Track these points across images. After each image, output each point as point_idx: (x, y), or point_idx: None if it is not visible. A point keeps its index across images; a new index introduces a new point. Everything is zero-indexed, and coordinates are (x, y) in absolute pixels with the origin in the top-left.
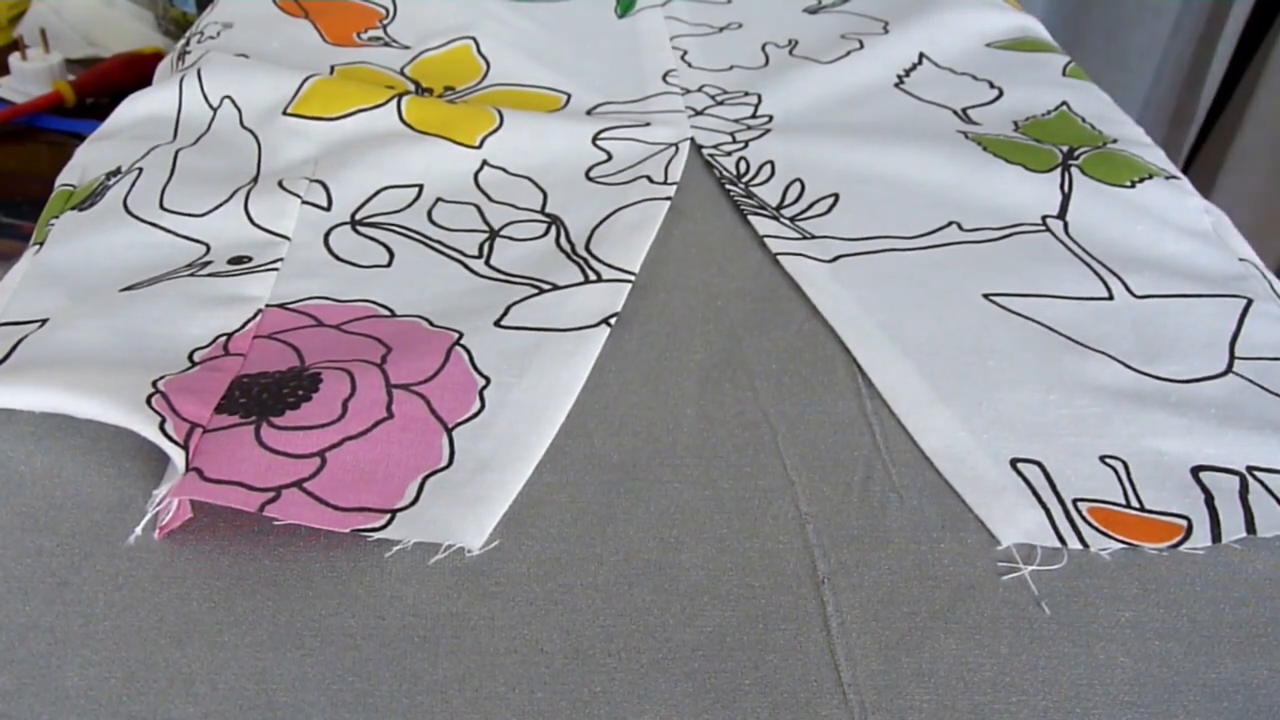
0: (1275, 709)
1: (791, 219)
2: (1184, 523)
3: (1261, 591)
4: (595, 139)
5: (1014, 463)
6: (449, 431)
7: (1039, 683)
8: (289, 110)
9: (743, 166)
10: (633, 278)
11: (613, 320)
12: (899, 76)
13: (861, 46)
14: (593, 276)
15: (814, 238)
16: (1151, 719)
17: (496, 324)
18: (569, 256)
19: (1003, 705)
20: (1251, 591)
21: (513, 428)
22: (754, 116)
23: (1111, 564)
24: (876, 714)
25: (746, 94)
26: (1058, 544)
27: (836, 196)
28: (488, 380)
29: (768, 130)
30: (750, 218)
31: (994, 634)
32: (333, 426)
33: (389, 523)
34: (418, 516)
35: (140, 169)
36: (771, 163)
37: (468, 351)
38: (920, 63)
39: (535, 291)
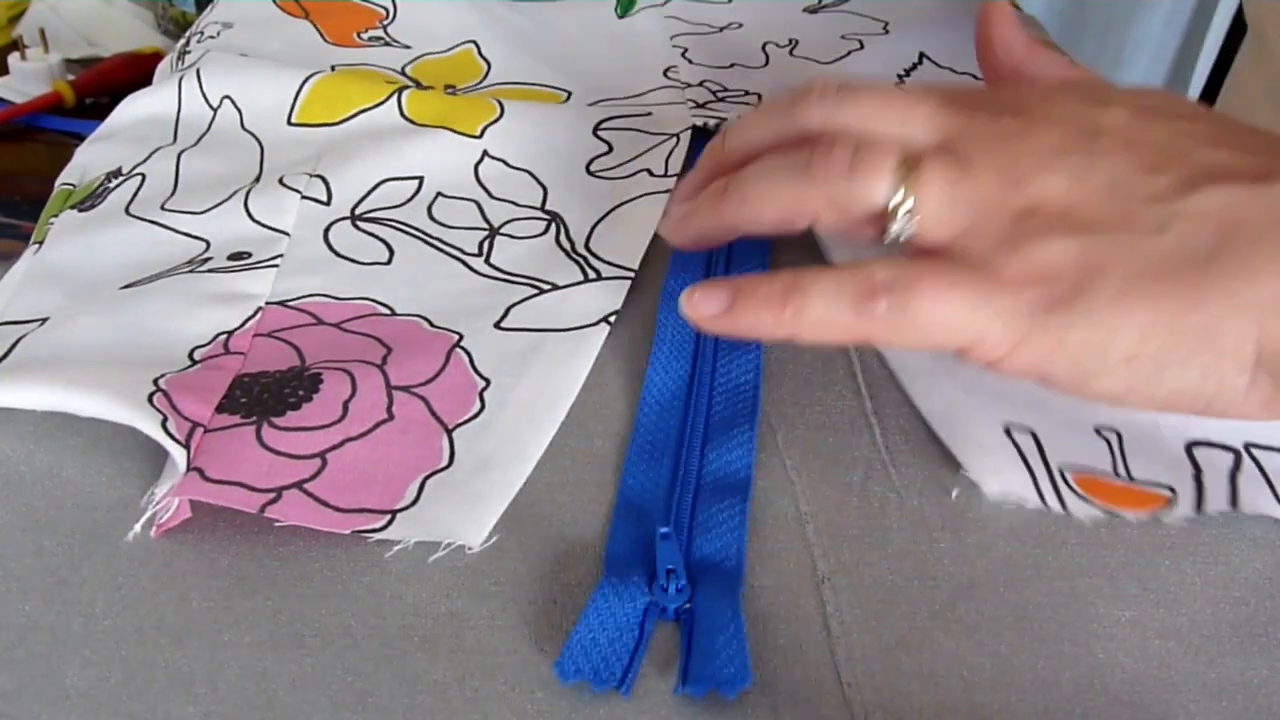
0: (1275, 709)
1: None
2: (1168, 493)
3: (1261, 591)
4: (596, 129)
5: (1007, 429)
6: (449, 432)
7: (1039, 683)
8: (293, 121)
9: None
10: (633, 274)
11: (612, 318)
12: (900, 76)
13: (862, 47)
14: (592, 275)
15: None
16: (1151, 719)
17: (497, 326)
18: (569, 255)
19: (1002, 705)
20: (1251, 591)
21: (513, 427)
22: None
23: (1112, 563)
24: (876, 714)
25: (748, 92)
26: (1039, 504)
27: None
28: (488, 382)
29: None
30: None
31: (994, 634)
32: (334, 427)
33: (389, 523)
34: (418, 516)
35: (142, 175)
36: None
37: (468, 354)
38: (921, 62)
39: (535, 292)
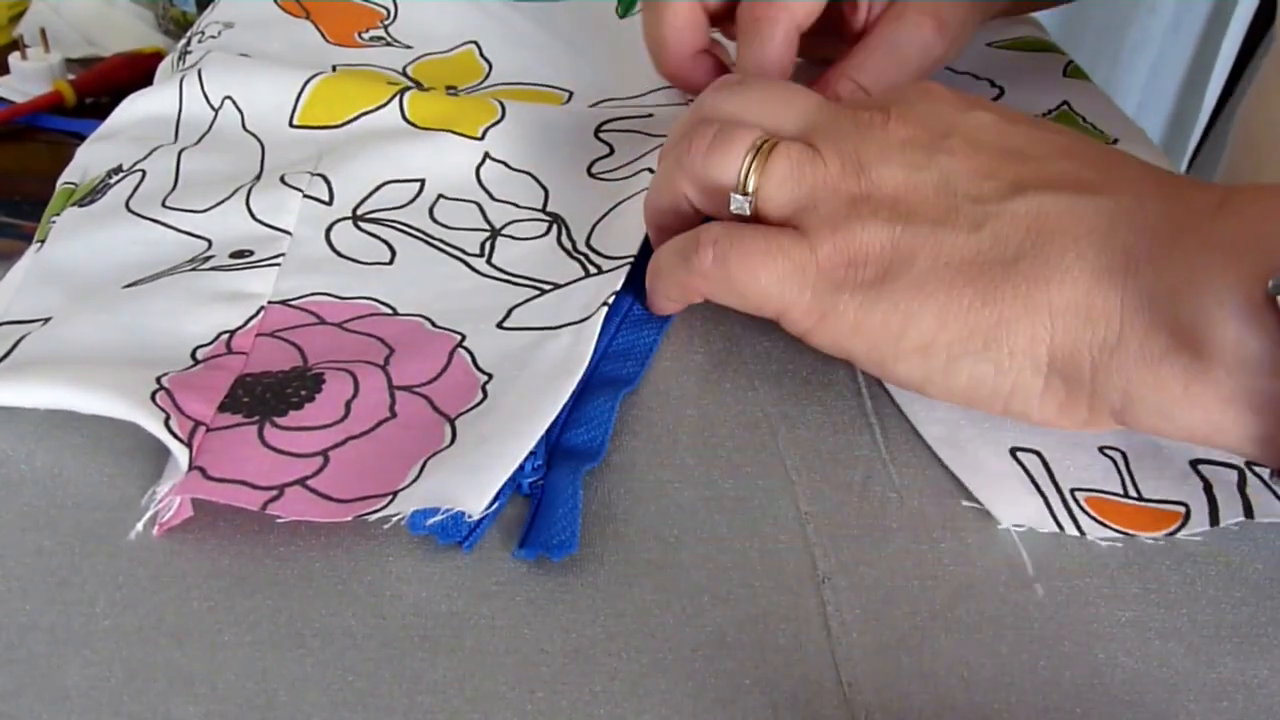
0: (1275, 709)
1: None
2: (1182, 509)
3: (1261, 591)
4: (598, 131)
5: (1013, 451)
6: (451, 421)
7: (1039, 683)
8: (294, 123)
9: None
10: (632, 258)
11: (610, 299)
12: None
13: None
14: (593, 270)
15: None
16: (1151, 719)
17: (499, 326)
18: (569, 254)
19: (1002, 705)
20: (1251, 591)
21: (514, 409)
22: None
23: (1112, 564)
24: (876, 714)
25: None
26: (1055, 529)
27: None
28: (490, 376)
29: None
30: None
31: (994, 634)
32: (336, 426)
33: (390, 502)
34: (418, 488)
35: (143, 171)
36: None
37: (470, 354)
38: None
39: (537, 293)
